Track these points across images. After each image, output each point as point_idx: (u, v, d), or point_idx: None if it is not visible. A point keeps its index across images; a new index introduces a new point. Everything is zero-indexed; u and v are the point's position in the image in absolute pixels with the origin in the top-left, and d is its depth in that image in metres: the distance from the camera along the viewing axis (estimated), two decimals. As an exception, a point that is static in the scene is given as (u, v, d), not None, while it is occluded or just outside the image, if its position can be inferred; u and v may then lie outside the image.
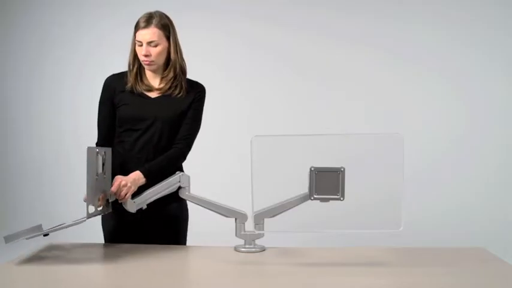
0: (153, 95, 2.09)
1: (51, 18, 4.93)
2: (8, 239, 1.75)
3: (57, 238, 1.95)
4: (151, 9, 2.05)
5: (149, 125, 2.05)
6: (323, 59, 4.75)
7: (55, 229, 1.79)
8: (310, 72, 4.78)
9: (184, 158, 2.12)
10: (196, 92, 2.12)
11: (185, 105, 2.08)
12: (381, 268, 1.73)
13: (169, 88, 2.08)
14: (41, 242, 1.94)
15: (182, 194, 1.96)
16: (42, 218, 4.57)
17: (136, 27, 2.02)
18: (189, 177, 1.97)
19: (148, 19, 2.00)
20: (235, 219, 1.94)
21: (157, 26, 2.00)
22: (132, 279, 1.62)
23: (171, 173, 1.99)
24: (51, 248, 1.96)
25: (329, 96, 4.77)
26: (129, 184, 1.90)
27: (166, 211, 2.08)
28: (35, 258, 1.77)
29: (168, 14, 2.09)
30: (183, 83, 2.09)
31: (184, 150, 2.09)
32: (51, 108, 4.97)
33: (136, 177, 1.95)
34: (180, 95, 2.08)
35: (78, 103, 4.83)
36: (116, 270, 1.71)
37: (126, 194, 1.89)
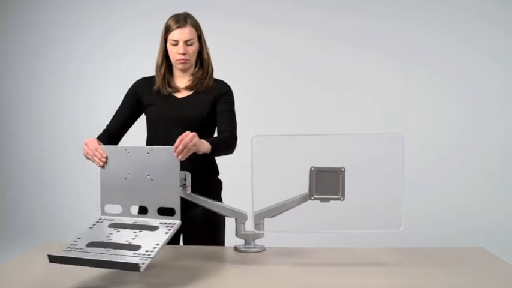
0: (179, 95, 2.10)
1: (51, 18, 4.93)
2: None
3: (57, 238, 1.94)
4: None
5: (177, 125, 2.03)
6: (323, 58, 4.75)
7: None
8: (310, 72, 4.78)
9: (233, 148, 2.05)
10: (223, 89, 2.13)
11: (211, 103, 2.09)
12: (381, 268, 1.73)
13: (196, 85, 2.10)
14: (41, 242, 1.94)
15: (182, 193, 1.95)
16: (41, 218, 4.60)
17: (170, 27, 2.04)
18: (190, 175, 1.96)
19: (185, 18, 2.05)
20: (235, 219, 1.93)
21: (192, 25, 2.05)
22: (131, 279, 1.62)
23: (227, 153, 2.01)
24: (52, 247, 1.95)
25: (329, 96, 4.77)
26: (194, 141, 1.76)
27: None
28: (35, 258, 1.77)
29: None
30: (210, 81, 2.12)
31: (233, 137, 2.07)
32: (51, 108, 4.96)
33: (203, 140, 1.85)
34: (206, 92, 2.09)
35: (78, 103, 4.83)
36: (116, 270, 1.70)
37: (184, 149, 1.74)
